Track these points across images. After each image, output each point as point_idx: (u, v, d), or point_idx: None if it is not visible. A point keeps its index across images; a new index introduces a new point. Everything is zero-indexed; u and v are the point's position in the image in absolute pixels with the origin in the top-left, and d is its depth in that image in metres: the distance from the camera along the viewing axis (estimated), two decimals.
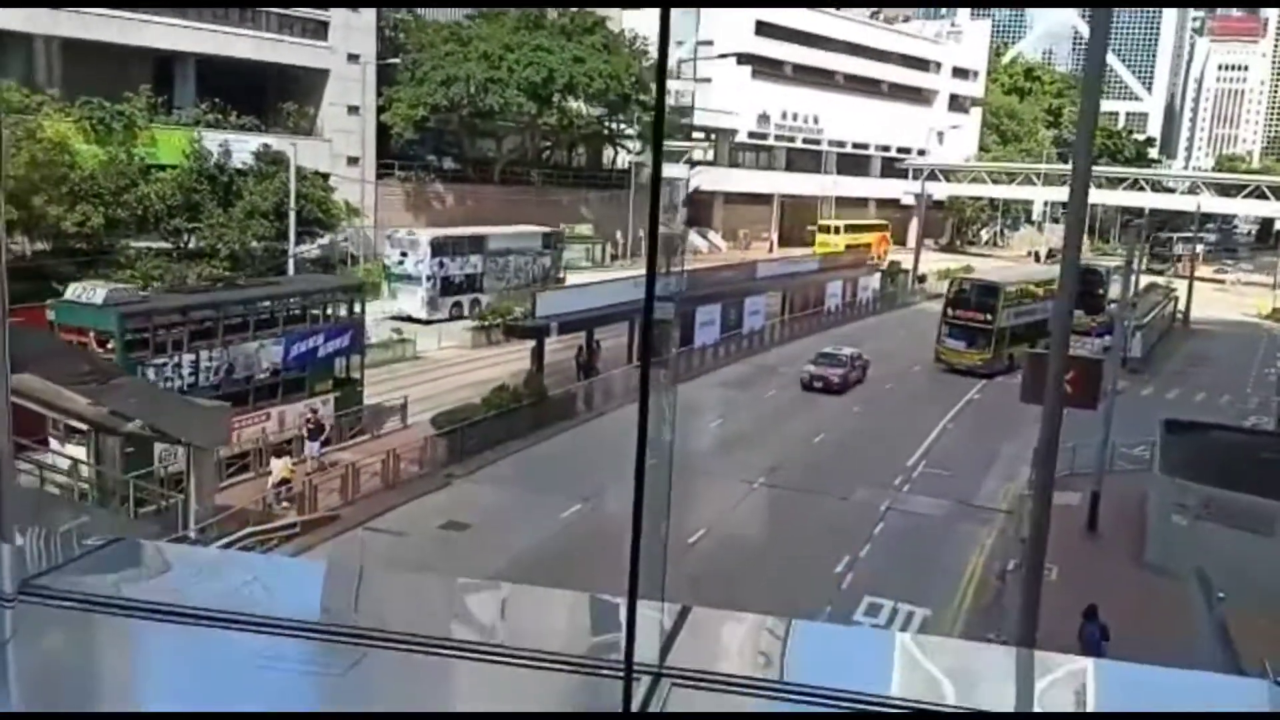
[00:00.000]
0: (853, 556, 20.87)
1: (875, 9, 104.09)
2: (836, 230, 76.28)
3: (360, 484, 23.44)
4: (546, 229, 52.09)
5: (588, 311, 34.01)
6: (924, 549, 22.06)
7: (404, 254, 43.38)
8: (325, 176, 46.31)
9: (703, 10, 77.05)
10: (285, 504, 22.40)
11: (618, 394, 31.85)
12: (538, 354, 32.36)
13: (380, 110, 55.73)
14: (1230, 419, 34.88)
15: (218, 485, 21.87)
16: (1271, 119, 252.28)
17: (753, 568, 19.62)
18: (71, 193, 36.37)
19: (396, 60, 56.19)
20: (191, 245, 41.33)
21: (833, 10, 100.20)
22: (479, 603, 2.32)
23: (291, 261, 33.03)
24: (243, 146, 43.51)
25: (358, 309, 29.17)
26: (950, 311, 41.61)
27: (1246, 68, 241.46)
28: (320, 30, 52.87)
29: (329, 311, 28.35)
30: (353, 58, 53.08)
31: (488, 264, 45.36)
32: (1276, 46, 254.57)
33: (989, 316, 40.40)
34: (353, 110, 53.70)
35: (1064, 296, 8.56)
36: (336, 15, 53.02)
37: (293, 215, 33.33)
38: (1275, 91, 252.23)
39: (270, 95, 52.11)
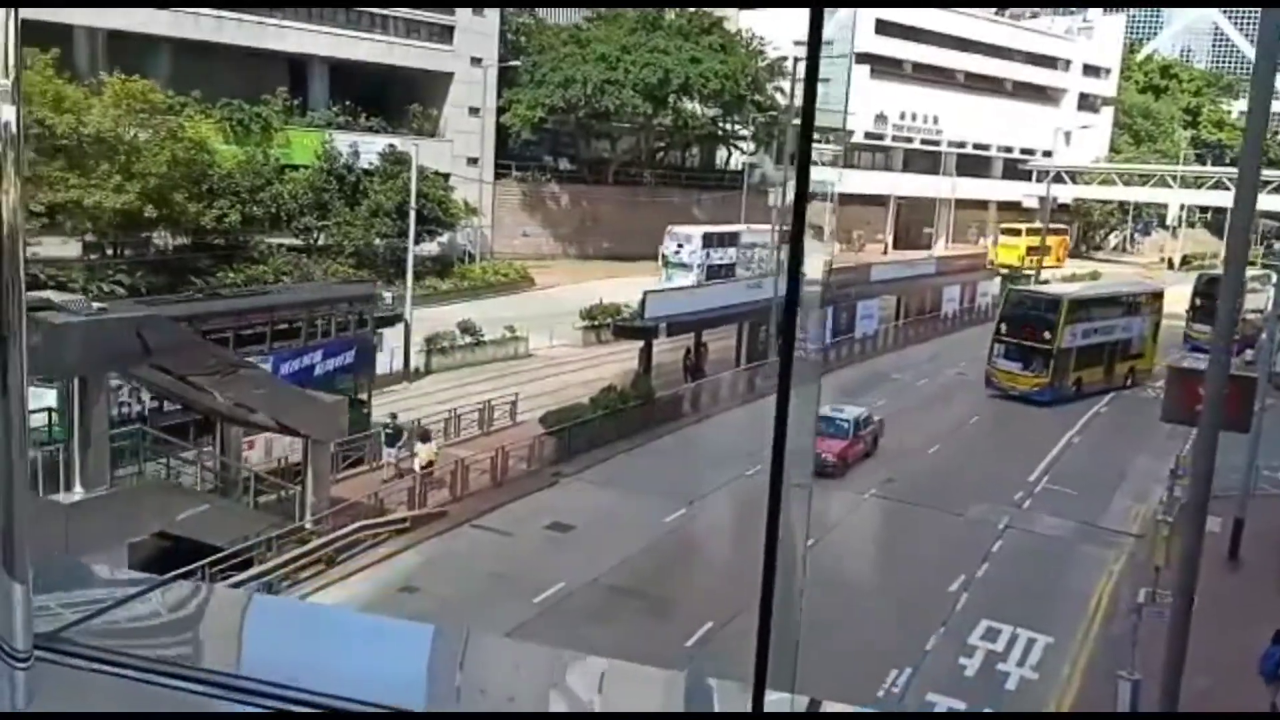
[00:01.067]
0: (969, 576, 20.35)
1: (1000, 7, 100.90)
2: (1019, 233, 76.51)
3: (469, 481, 23.99)
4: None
5: (697, 313, 34.10)
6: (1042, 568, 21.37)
7: (680, 245, 52.75)
8: (446, 176, 47.65)
9: (843, 10, 75.88)
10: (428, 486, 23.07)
11: (723, 397, 31.84)
12: (645, 355, 32.60)
13: (500, 112, 56.99)
14: None
15: (333, 478, 22.58)
16: None
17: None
18: (210, 190, 38.41)
19: (517, 63, 57.36)
20: (320, 242, 43.22)
21: (958, 8, 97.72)
22: (579, 677, 1.95)
23: (410, 258, 34.10)
24: (369, 147, 45.17)
25: (372, 321, 26.97)
26: (1003, 328, 36.48)
27: None
28: (445, 34, 54.40)
29: (336, 322, 25.65)
30: (475, 61, 54.42)
31: (739, 254, 52.88)
32: None
33: (1048, 335, 35.21)
34: (473, 112, 55.09)
35: (1226, 310, 7.93)
36: (461, 19, 54.48)
37: (413, 214, 34.41)
38: None
39: (397, 97, 53.90)
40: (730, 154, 73.89)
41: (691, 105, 62.71)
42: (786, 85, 59.90)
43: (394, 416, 26.01)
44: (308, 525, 20.24)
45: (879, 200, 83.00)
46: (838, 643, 15.40)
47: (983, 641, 17.47)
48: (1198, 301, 44.45)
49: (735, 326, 35.23)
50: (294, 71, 51.18)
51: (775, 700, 1.54)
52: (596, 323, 39.82)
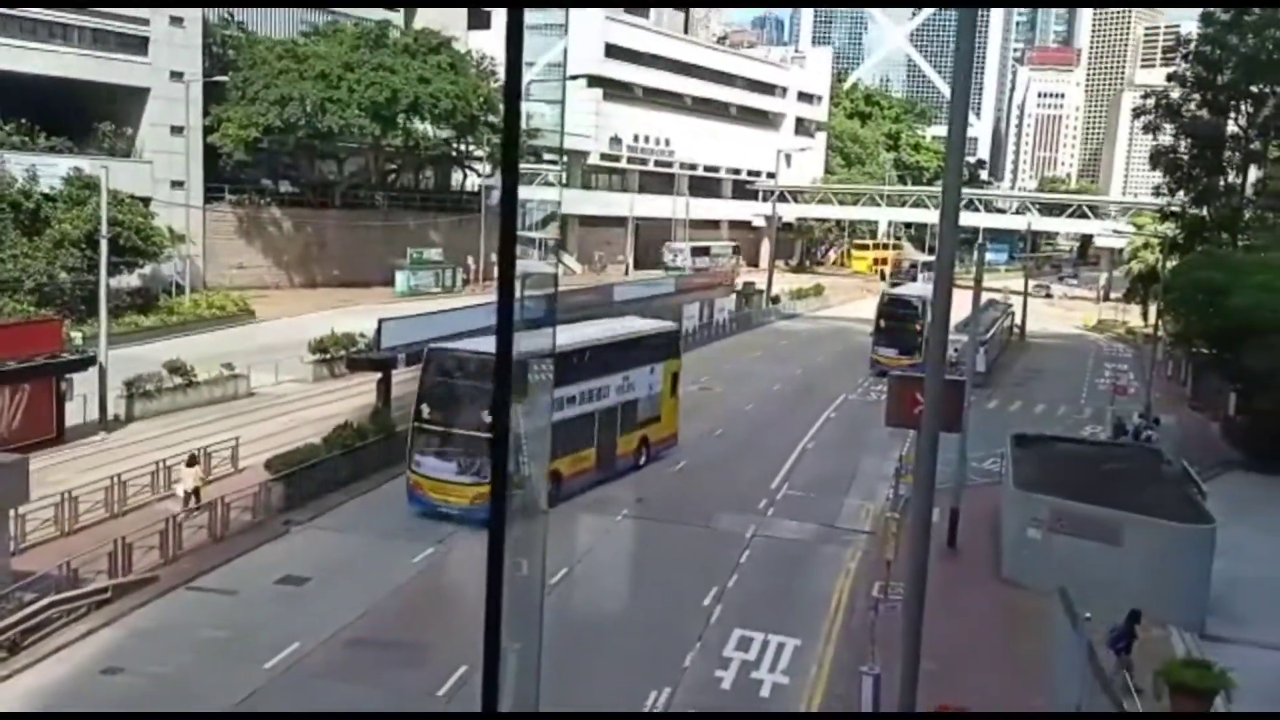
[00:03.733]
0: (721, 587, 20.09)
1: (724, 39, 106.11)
2: (868, 247, 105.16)
3: (183, 539, 21.09)
4: (734, 243, 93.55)
5: (437, 340, 32.31)
6: (790, 574, 21.51)
7: (674, 256, 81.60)
8: (145, 201, 43.18)
9: (550, 30, 76.38)
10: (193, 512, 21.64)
11: None
12: (384, 387, 30.48)
13: (208, 131, 52.48)
14: (1069, 429, 36.19)
15: (14, 549, 19.25)
16: (1087, 143, 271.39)
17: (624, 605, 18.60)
18: None
19: (225, 78, 53.07)
20: None
21: (680, 36, 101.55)
22: None
23: (104, 292, 30.06)
24: (51, 170, 40.03)
25: None
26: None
27: (1063, 95, 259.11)
28: (140, 46, 49.38)
29: None
30: (175, 75, 49.77)
31: (711, 261, 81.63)
32: (1089, 75, 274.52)
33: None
34: (176, 131, 50.32)
35: (939, 324, 7.92)
36: (158, 30, 49.69)
37: (104, 243, 30.36)
38: (1089, 118, 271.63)
39: (85, 116, 48.24)
40: (466, 176, 72.42)
41: (423, 126, 60.74)
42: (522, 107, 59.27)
43: None
44: None
45: (619, 221, 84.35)
46: (600, 667, 15.40)
47: (737, 652, 17.32)
48: (882, 323, 45.07)
49: None
50: None
51: None
52: (328, 355, 37.08)
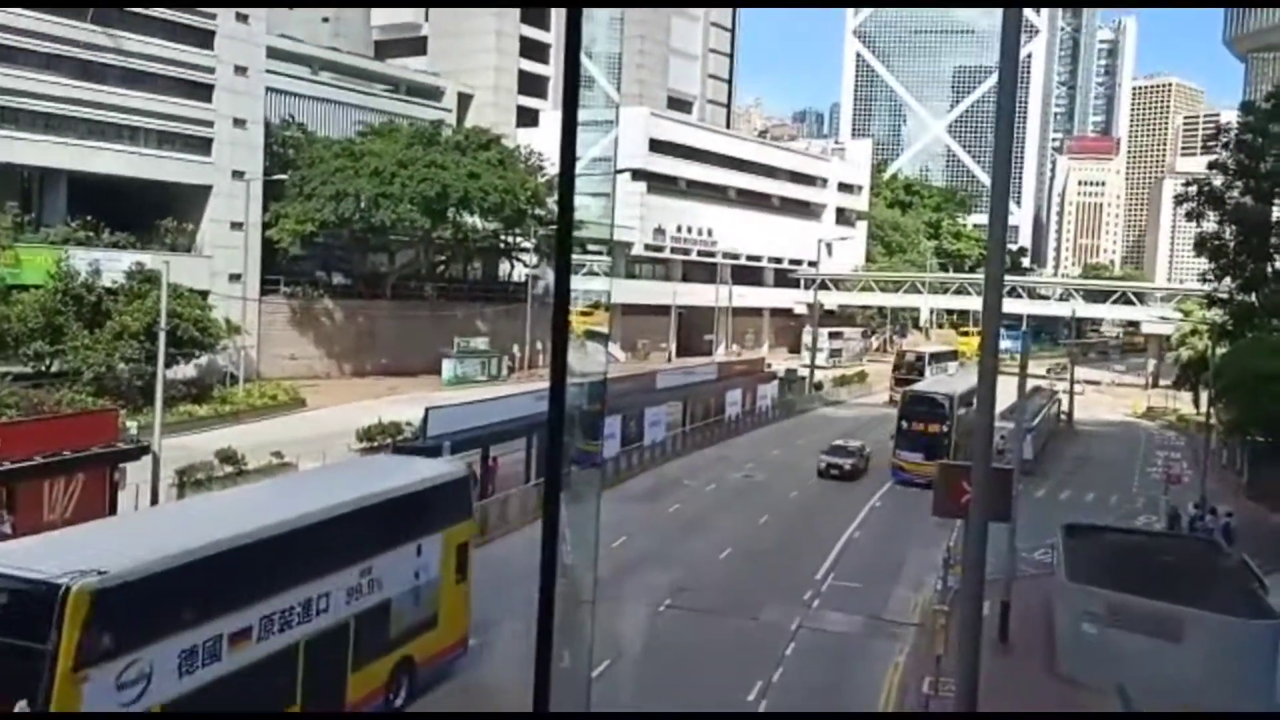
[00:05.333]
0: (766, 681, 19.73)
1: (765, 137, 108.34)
2: (968, 334, 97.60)
3: None
4: (862, 329, 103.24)
5: (484, 428, 32.67)
6: (837, 668, 21.06)
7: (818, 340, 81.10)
8: (204, 294, 44.54)
9: (598, 127, 78.62)
10: None
11: (513, 516, 30.40)
12: None
13: (266, 226, 54.36)
14: (1121, 518, 35.38)
15: None
16: (1129, 230, 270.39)
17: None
18: None
19: (284, 176, 55.18)
20: (55, 368, 38.85)
21: (723, 130, 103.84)
22: None
23: (160, 382, 30.92)
24: (114, 265, 41.58)
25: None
26: None
27: (1103, 183, 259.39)
28: (204, 146, 51.62)
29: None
30: (237, 174, 51.83)
31: (844, 344, 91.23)
32: (1129, 163, 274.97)
33: None
34: (236, 226, 52.16)
35: (984, 409, 7.95)
36: (221, 131, 51.94)
37: (162, 334, 31.35)
38: (1131, 205, 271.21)
39: (149, 212, 50.29)
40: (513, 266, 73.87)
41: (472, 219, 62.35)
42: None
43: None
44: None
45: (662, 310, 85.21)
46: None
47: None
48: (904, 424, 40.24)
49: (525, 440, 34.03)
50: (27, 185, 46.87)
51: None
52: (374, 444, 37.54)
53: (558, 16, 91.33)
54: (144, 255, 44.25)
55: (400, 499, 18.32)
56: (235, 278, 51.31)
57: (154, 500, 29.52)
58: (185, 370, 42.70)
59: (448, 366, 59.37)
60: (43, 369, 38.80)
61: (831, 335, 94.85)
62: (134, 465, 28.77)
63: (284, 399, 46.92)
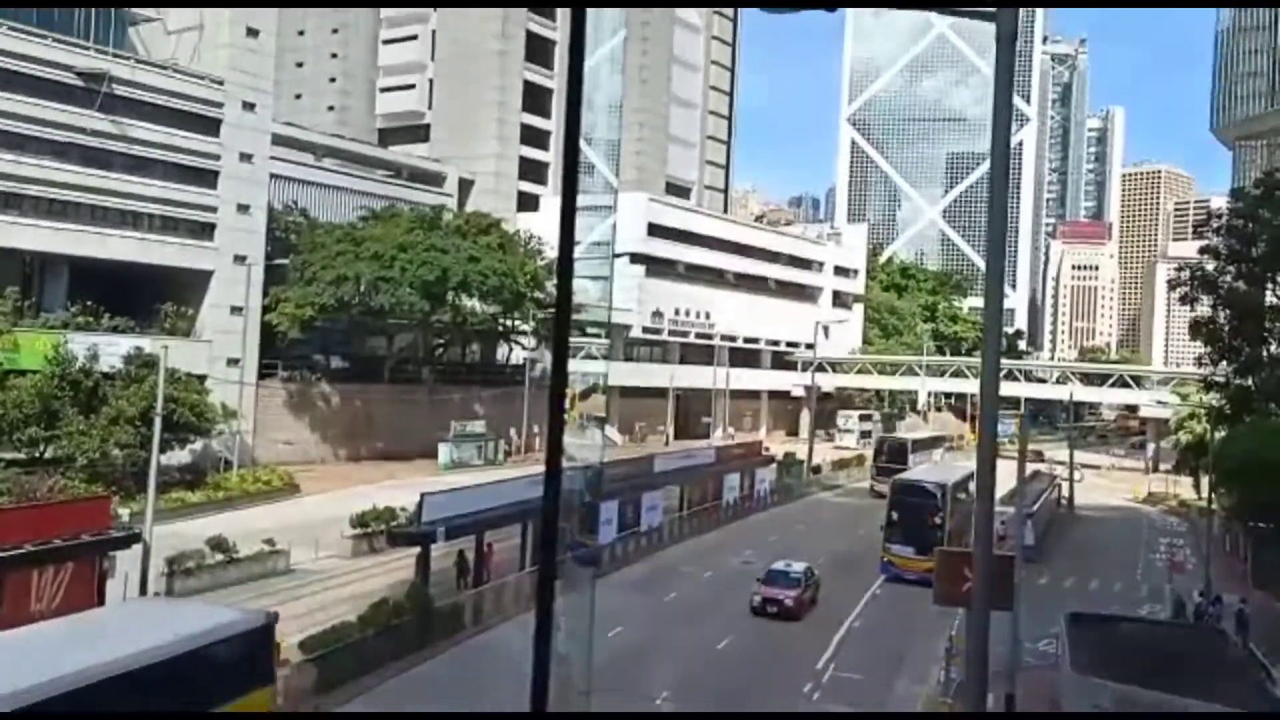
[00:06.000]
0: None
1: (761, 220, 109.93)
2: (975, 418, 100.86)
3: None
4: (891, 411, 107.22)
5: (479, 514, 32.31)
6: None
7: (845, 421, 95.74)
8: (201, 379, 44.55)
9: (597, 212, 79.87)
10: None
11: (507, 604, 29.89)
12: (423, 563, 30.31)
13: (266, 310, 54.64)
14: (1126, 607, 34.80)
15: None
16: (1124, 313, 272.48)
17: None
18: None
19: (285, 261, 55.71)
20: (49, 454, 38.64)
21: (720, 215, 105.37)
22: None
23: (154, 469, 30.68)
24: (113, 349, 41.67)
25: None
26: None
27: (1097, 267, 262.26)
28: (206, 231, 52.19)
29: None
30: (239, 259, 52.27)
31: (873, 426, 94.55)
32: (1121, 248, 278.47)
33: None
34: (236, 310, 52.41)
35: (984, 493, 7.85)
36: (224, 217, 52.58)
37: (158, 420, 31.25)
38: (1125, 288, 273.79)
39: (149, 295, 50.59)
40: (511, 349, 74.10)
41: (471, 302, 62.75)
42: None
43: None
44: None
45: (659, 392, 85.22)
46: None
47: None
48: (894, 515, 37.93)
49: (521, 525, 33.64)
50: (28, 269, 47.28)
51: None
52: (369, 530, 37.12)
53: (558, 104, 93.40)
54: (143, 340, 44.39)
55: (169, 662, 14.59)
56: (234, 362, 51.37)
57: (142, 590, 29.05)
58: (180, 456, 42.47)
59: (444, 451, 59.07)
60: (37, 455, 38.58)
61: (862, 417, 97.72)
62: (125, 553, 28.43)
63: (278, 484, 46.56)
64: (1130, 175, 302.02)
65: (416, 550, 30.70)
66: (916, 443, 68.59)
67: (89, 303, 46.54)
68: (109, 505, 30.02)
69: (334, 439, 59.17)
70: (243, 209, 53.25)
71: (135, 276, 49.82)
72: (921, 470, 47.69)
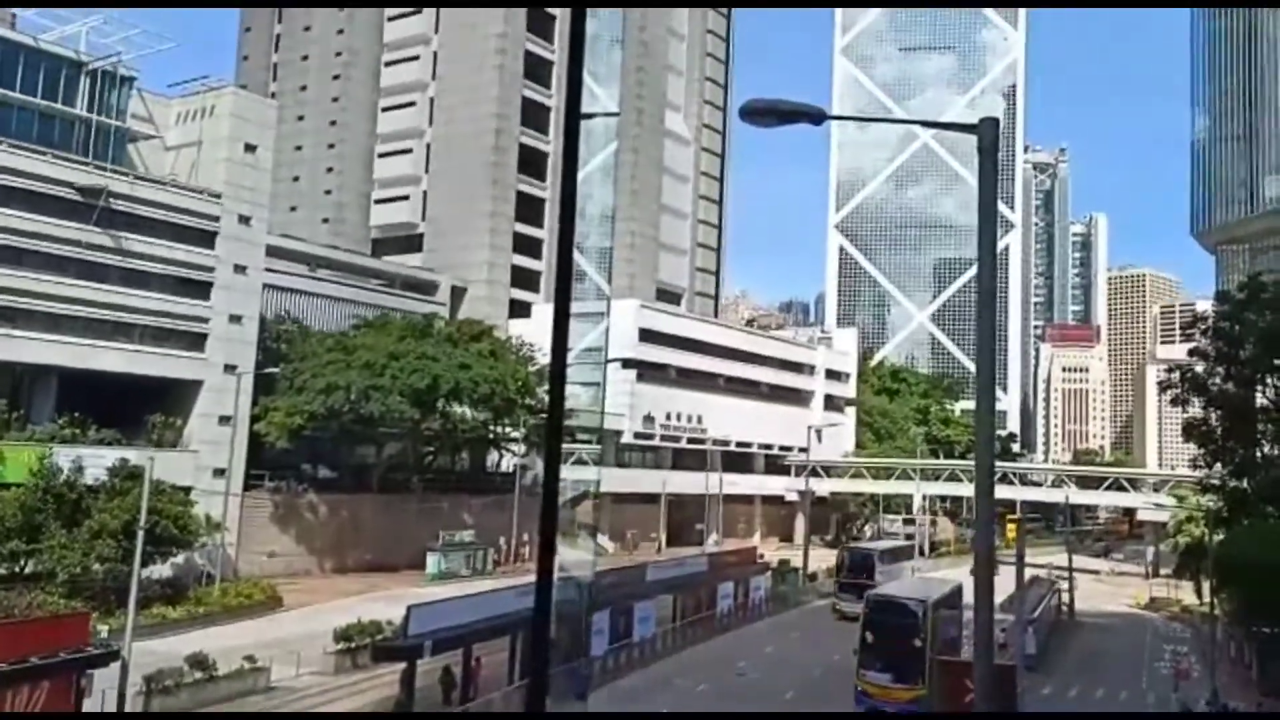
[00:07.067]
0: None
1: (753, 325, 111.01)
2: (1011, 521, 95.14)
3: None
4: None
5: (467, 626, 31.50)
6: None
7: (889, 525, 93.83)
8: (186, 490, 43.98)
9: (589, 318, 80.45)
10: None
11: None
12: (408, 679, 29.41)
13: (255, 419, 54.37)
14: None
15: None
16: (1116, 415, 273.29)
17: None
18: None
19: (276, 370, 55.70)
20: (29, 569, 37.83)
21: (711, 320, 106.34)
22: None
23: (135, 584, 30.00)
24: (99, 461, 41.24)
25: None
26: None
27: (1087, 369, 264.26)
28: (198, 341, 52.32)
29: None
30: (229, 368, 52.25)
31: (917, 530, 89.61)
32: (1110, 350, 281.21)
33: None
34: (224, 420, 52.11)
35: (985, 604, 7.69)
36: (216, 327, 52.80)
37: (140, 534, 30.71)
38: (1116, 390, 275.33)
39: (137, 405, 50.33)
40: (501, 456, 73.62)
41: (461, 409, 62.57)
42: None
43: None
44: None
45: (651, 498, 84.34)
46: None
47: None
48: (869, 637, 33.10)
49: (510, 637, 32.78)
50: (17, 381, 47.17)
51: None
52: (353, 645, 36.10)
53: (550, 213, 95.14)
54: (129, 451, 43.95)
55: None
56: (220, 472, 50.77)
57: (119, 708, 28.06)
58: (161, 570, 41.62)
59: (432, 561, 58.02)
60: (17, 570, 37.79)
61: (905, 521, 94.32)
62: (104, 671, 27.59)
63: (260, 598, 45.51)
64: (1115, 278, 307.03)
65: (402, 665, 29.86)
66: (884, 553, 60.91)
67: (76, 414, 46.26)
68: (88, 622, 29.31)
69: (320, 550, 58.16)
70: (235, 319, 53.53)
71: (124, 386, 49.68)
72: (898, 585, 43.53)
